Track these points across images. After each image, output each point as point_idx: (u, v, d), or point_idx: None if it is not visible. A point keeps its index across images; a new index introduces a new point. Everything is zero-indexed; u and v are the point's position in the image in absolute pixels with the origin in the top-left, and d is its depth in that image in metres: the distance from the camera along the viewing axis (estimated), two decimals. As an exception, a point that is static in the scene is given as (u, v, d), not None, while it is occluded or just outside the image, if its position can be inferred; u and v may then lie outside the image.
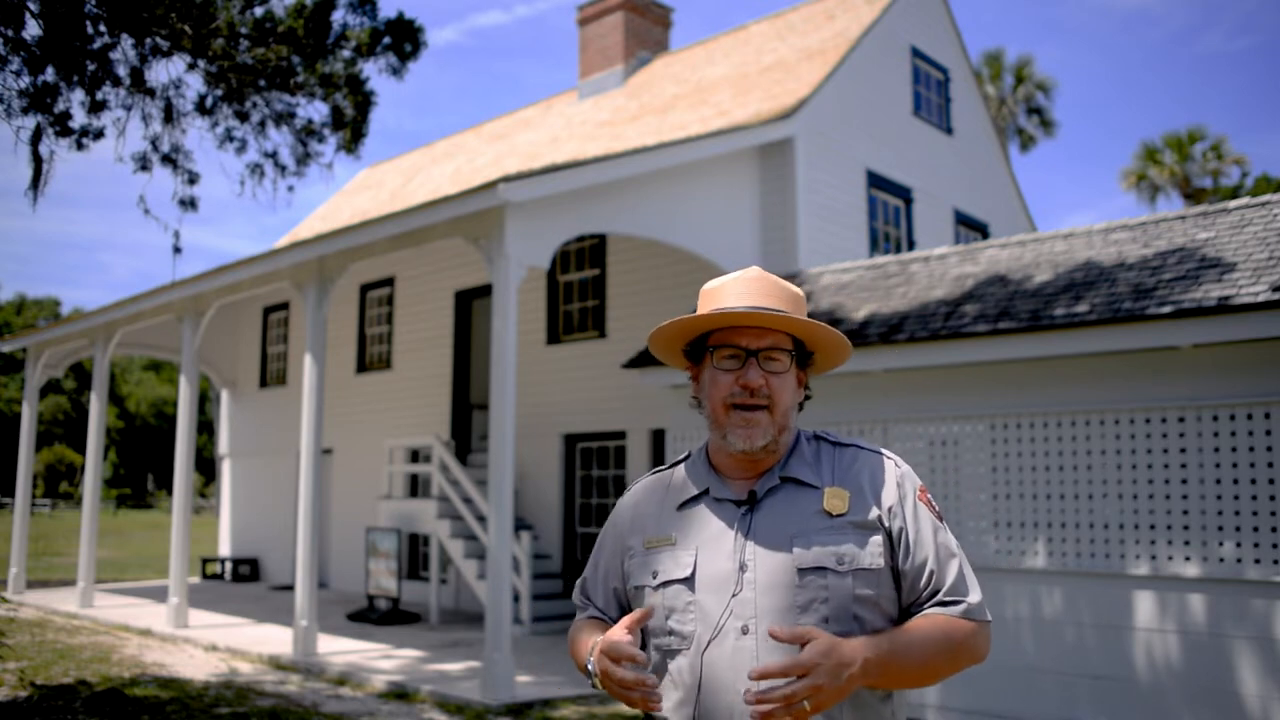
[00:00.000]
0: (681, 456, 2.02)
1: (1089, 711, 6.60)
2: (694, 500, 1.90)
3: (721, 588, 1.78)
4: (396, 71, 8.90)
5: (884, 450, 1.92)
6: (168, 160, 9.38)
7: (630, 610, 1.93)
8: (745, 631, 1.74)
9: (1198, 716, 6.18)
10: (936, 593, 1.81)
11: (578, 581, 2.09)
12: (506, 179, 7.92)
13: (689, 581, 1.81)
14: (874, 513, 1.81)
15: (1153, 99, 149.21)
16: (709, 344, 1.89)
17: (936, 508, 1.90)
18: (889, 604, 1.80)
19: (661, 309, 11.21)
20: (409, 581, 13.84)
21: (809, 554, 1.76)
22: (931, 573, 1.81)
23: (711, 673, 1.75)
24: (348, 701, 7.77)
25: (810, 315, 2.00)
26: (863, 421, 7.83)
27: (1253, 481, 6.16)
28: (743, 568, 1.78)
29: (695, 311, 1.92)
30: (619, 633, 1.75)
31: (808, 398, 1.97)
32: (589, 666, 1.81)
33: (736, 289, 1.88)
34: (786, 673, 1.60)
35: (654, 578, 1.85)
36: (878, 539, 1.80)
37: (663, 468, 2.04)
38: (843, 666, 1.63)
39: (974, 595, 1.82)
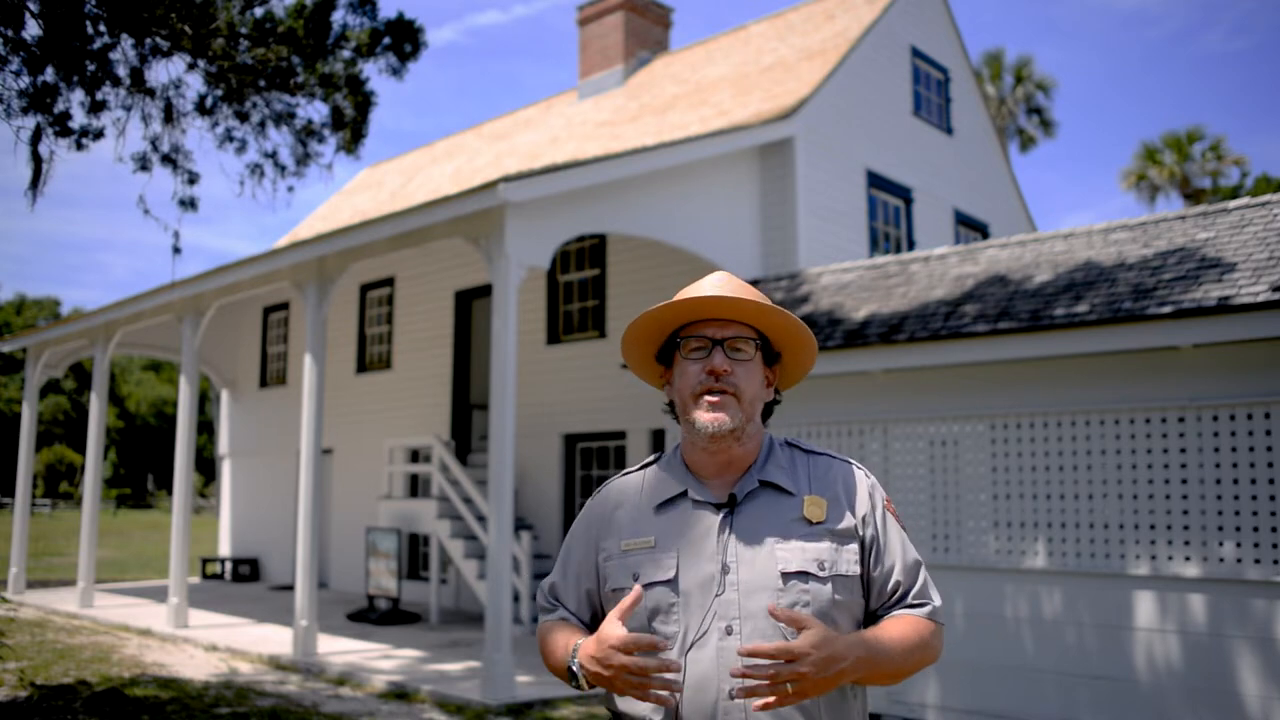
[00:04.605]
0: (651, 458, 2.04)
1: (1089, 711, 6.59)
2: (671, 502, 1.91)
3: (704, 589, 1.80)
4: (396, 72, 8.90)
5: (852, 460, 2.00)
6: (168, 160, 9.37)
7: (605, 614, 1.93)
8: (729, 632, 1.77)
9: (1198, 717, 6.18)
10: (904, 597, 1.90)
11: (544, 584, 2.06)
12: (506, 179, 7.92)
13: (673, 584, 1.83)
14: (849, 521, 1.88)
15: (1152, 99, 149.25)
16: (678, 338, 1.95)
17: (900, 518, 2.00)
18: (858, 609, 1.88)
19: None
20: (409, 581, 13.84)
21: (793, 558, 1.81)
22: (899, 580, 1.90)
23: (695, 672, 1.77)
24: (348, 701, 7.77)
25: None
26: (863, 421, 7.82)
27: (1253, 481, 6.16)
28: (725, 569, 1.81)
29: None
30: (616, 626, 1.73)
31: (777, 402, 2.02)
32: (571, 667, 1.80)
33: (704, 285, 1.95)
34: (776, 656, 1.63)
35: (635, 580, 1.85)
36: (853, 547, 1.87)
37: (632, 469, 2.04)
38: (834, 661, 1.66)
39: (936, 599, 1.93)
